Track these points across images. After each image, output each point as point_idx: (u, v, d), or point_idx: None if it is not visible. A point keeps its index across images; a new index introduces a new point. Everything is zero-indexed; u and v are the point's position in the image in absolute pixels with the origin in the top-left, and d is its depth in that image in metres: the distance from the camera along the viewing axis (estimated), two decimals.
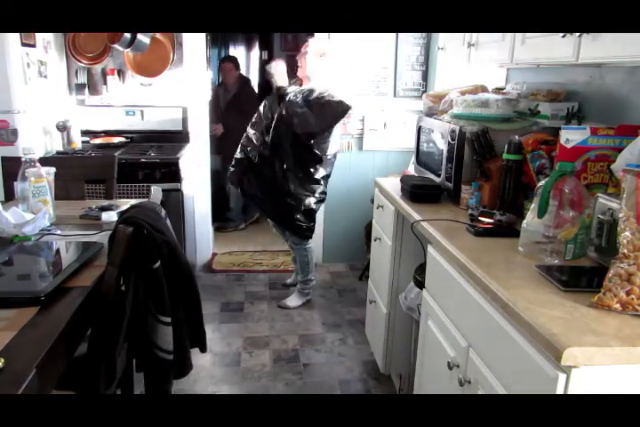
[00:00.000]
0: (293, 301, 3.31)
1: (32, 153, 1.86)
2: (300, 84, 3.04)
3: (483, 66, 2.65)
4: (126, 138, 3.75)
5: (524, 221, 1.49)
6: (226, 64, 4.58)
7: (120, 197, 2.94)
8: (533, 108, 2.08)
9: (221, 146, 4.50)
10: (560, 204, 1.43)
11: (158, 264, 1.50)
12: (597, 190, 1.51)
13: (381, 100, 3.78)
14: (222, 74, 4.69)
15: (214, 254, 4.11)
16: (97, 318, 1.44)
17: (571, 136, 1.60)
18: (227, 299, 3.40)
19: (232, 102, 4.55)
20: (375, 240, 2.55)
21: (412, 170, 2.84)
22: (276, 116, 2.94)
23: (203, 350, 1.76)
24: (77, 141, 3.53)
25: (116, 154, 3.32)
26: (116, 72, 3.66)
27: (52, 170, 1.99)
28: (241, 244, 4.39)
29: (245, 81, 4.75)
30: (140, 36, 3.33)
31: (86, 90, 3.68)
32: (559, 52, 1.56)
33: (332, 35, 3.60)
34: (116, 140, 3.67)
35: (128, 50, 3.38)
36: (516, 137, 1.79)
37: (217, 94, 4.74)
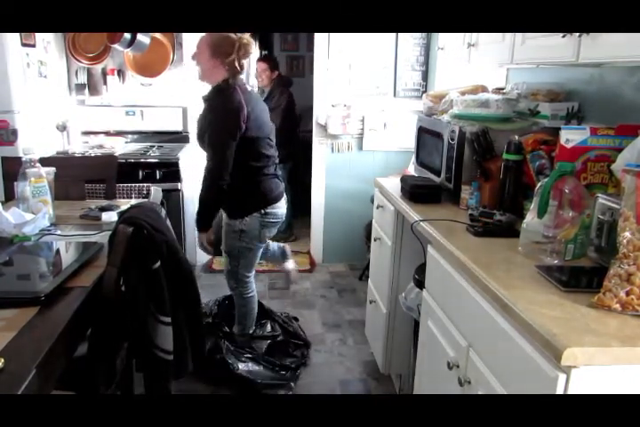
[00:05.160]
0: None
1: (32, 153, 1.87)
2: None
3: (483, 66, 2.65)
4: (126, 138, 3.75)
5: (524, 222, 1.49)
6: (258, 64, 4.18)
7: (120, 197, 2.94)
8: (533, 108, 2.08)
9: None
10: (560, 204, 1.43)
11: (158, 264, 1.50)
12: (597, 190, 1.51)
13: (381, 100, 3.78)
14: (256, 74, 4.28)
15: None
16: (97, 318, 1.44)
17: (571, 136, 1.60)
18: None
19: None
20: (375, 240, 2.55)
21: (411, 170, 2.84)
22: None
23: (202, 350, 1.76)
24: (77, 142, 3.54)
25: (116, 154, 3.32)
26: (115, 72, 3.67)
27: (52, 170, 1.99)
28: None
29: (277, 84, 4.21)
30: (140, 37, 3.33)
31: (86, 90, 3.69)
32: (559, 52, 1.56)
33: (332, 35, 3.61)
34: (116, 140, 3.68)
35: (128, 50, 3.39)
36: (516, 137, 1.79)
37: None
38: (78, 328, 1.36)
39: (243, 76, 2.30)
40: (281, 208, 2.42)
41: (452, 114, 2.14)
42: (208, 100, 2.30)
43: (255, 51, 2.29)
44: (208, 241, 2.35)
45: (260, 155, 2.31)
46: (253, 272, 2.58)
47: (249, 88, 2.37)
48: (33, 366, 1.02)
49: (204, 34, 2.28)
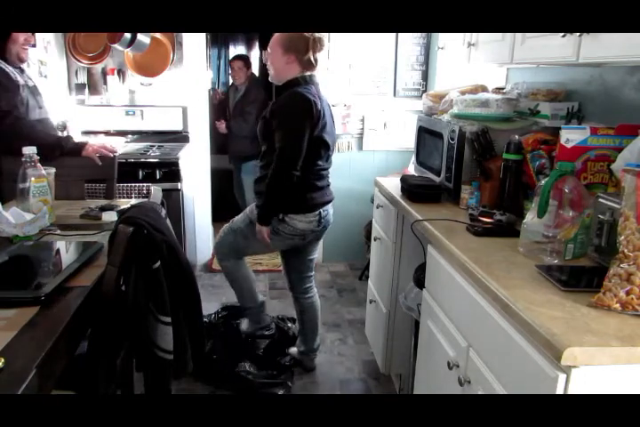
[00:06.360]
0: (244, 324, 2.86)
1: (32, 153, 1.86)
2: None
3: (483, 66, 2.65)
4: (126, 138, 3.75)
5: (524, 221, 1.49)
6: (235, 62, 4.35)
7: (120, 197, 2.94)
8: (533, 107, 2.08)
9: (227, 147, 4.54)
10: (560, 204, 1.43)
11: (158, 264, 1.50)
12: (597, 190, 1.51)
13: (381, 99, 3.78)
14: (232, 73, 4.45)
15: (214, 254, 4.10)
16: (97, 317, 1.44)
17: (571, 136, 1.61)
18: (227, 299, 3.40)
19: (239, 102, 4.32)
20: (375, 240, 2.55)
21: (411, 170, 2.84)
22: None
23: (202, 350, 1.76)
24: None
25: (116, 154, 3.32)
26: (115, 72, 3.66)
27: (52, 170, 1.99)
28: None
29: (255, 80, 4.46)
30: (140, 36, 3.33)
31: (86, 90, 3.69)
32: (559, 52, 1.56)
33: (332, 35, 3.61)
34: (116, 140, 3.67)
35: (128, 50, 3.38)
36: (516, 137, 1.79)
37: (228, 94, 4.61)
38: (78, 328, 1.36)
39: (316, 73, 2.26)
40: (301, 222, 2.25)
41: (452, 114, 2.14)
42: (283, 91, 2.24)
43: (327, 44, 2.27)
44: (267, 235, 2.24)
45: (310, 158, 2.20)
46: (240, 257, 2.51)
47: (322, 94, 2.32)
48: (33, 365, 1.02)
49: (275, 34, 2.24)
